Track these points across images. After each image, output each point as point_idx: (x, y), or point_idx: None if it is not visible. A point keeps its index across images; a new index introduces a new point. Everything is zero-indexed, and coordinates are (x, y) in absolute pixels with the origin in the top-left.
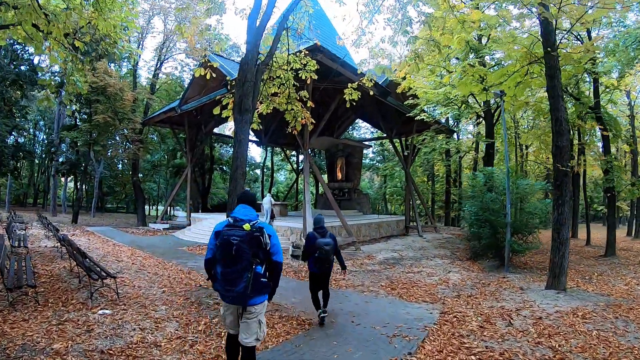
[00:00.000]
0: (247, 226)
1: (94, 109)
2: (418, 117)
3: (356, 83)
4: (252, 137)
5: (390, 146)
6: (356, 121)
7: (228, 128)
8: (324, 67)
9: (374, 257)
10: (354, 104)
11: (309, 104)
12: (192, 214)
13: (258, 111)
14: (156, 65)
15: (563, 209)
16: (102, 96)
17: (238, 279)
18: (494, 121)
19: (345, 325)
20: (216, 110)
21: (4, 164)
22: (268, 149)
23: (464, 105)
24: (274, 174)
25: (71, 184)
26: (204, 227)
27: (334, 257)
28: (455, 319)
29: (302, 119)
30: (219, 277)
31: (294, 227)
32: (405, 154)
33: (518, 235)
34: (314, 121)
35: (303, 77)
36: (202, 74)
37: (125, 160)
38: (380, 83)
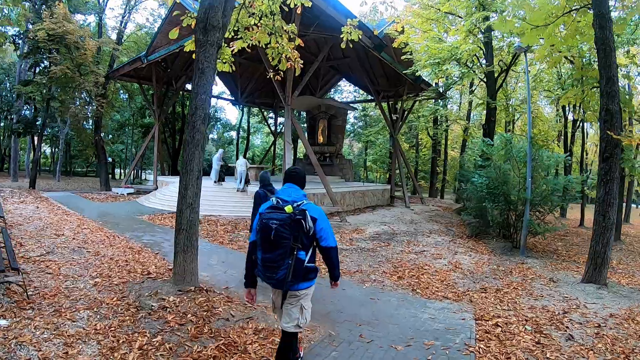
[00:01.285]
0: (289, 208)
1: (52, 60)
2: (418, 72)
3: (349, 27)
4: (227, 95)
5: (373, 112)
6: (338, 84)
7: None
8: (310, 12)
9: (363, 231)
10: (343, 57)
11: (298, 41)
12: (160, 177)
13: (233, 49)
14: (124, 12)
15: (612, 187)
16: (61, 45)
17: (279, 265)
18: (498, 86)
19: (351, 342)
20: (173, 34)
21: None
22: (244, 109)
23: (470, 62)
24: (251, 137)
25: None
26: (170, 191)
27: None
28: (499, 329)
29: (287, 60)
30: (259, 263)
31: None
32: (394, 118)
33: (535, 213)
34: (302, 62)
35: (292, 5)
36: (175, 37)
37: (90, 119)
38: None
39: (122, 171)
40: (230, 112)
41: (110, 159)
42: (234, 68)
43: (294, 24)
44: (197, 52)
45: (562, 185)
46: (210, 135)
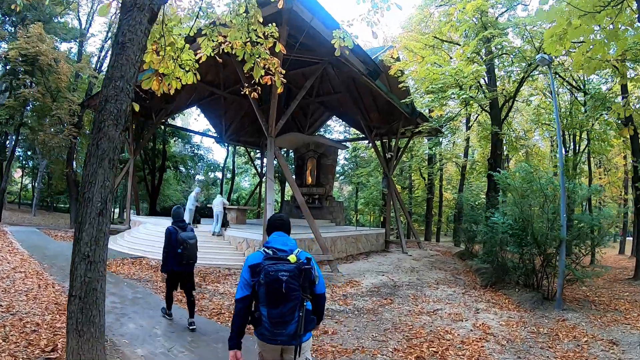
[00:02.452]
0: (293, 258)
1: (22, 82)
2: (418, 100)
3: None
4: (211, 132)
5: (364, 153)
6: (327, 123)
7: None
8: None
9: (358, 284)
10: (333, 92)
11: (279, 47)
12: (136, 217)
13: (200, 56)
14: (105, 38)
15: None
16: (34, 67)
17: (289, 320)
18: (504, 116)
19: None
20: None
21: None
22: (229, 149)
23: (474, 88)
24: (238, 179)
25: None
26: (140, 233)
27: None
28: None
29: (266, 71)
30: (265, 320)
31: (251, 239)
32: (389, 156)
33: (570, 256)
34: (283, 73)
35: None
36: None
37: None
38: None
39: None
40: (218, 153)
41: None
42: (199, 77)
43: (274, 24)
44: (120, 20)
45: (599, 221)
46: (197, 176)
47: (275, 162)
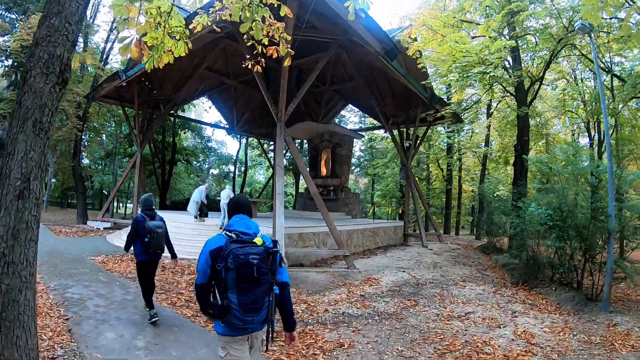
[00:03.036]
0: (259, 240)
1: (22, 74)
2: (444, 80)
3: None
4: (222, 123)
5: (379, 144)
6: (342, 114)
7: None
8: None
9: (377, 282)
10: (347, 80)
11: (284, 10)
12: None
13: (195, 26)
14: (110, 27)
15: None
16: None
17: (260, 306)
18: (531, 99)
19: None
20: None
21: None
22: (242, 141)
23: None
24: (252, 172)
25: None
26: None
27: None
28: None
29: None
30: (235, 307)
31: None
32: (407, 145)
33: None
34: (289, 39)
35: None
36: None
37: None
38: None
39: (116, 203)
40: (232, 147)
41: (106, 192)
42: (190, 46)
43: None
44: None
45: None
46: (212, 171)
47: (288, 155)
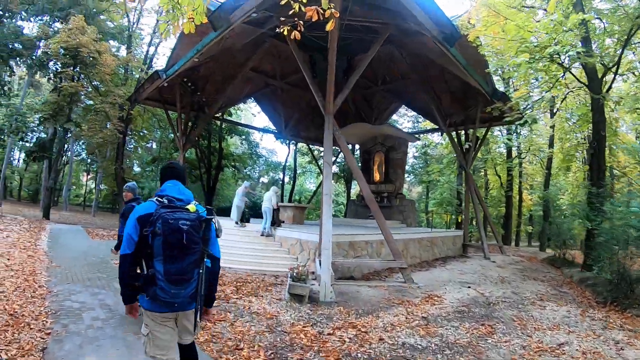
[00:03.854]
0: (192, 207)
1: (64, 75)
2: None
3: None
4: (270, 127)
5: (433, 149)
6: (393, 117)
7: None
8: None
9: (441, 300)
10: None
11: None
12: None
13: None
14: (153, 30)
15: None
16: (76, 60)
17: (189, 277)
18: (607, 88)
19: None
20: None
21: None
22: (290, 147)
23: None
24: (302, 179)
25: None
26: None
27: None
28: None
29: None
30: (161, 278)
31: (306, 241)
32: (467, 147)
33: None
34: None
35: None
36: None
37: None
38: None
39: None
40: (282, 154)
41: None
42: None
43: None
44: None
45: None
46: (262, 179)
47: (339, 160)
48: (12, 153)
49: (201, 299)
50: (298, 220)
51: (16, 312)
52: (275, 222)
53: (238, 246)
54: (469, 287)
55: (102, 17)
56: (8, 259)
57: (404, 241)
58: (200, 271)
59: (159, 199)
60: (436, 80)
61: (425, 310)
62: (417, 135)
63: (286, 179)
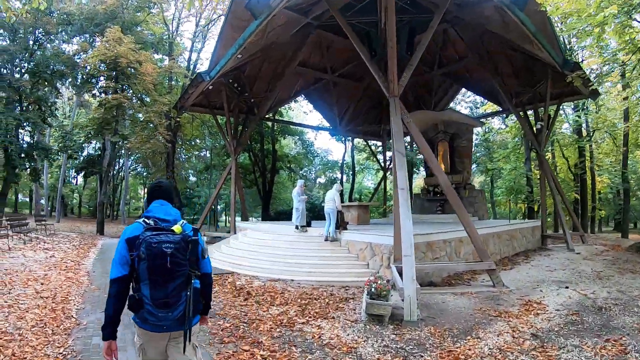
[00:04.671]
0: (177, 228)
1: (106, 88)
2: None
3: None
4: (324, 124)
5: (495, 135)
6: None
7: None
8: None
9: (541, 306)
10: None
11: None
12: (242, 223)
13: None
14: (194, 35)
15: None
16: (115, 71)
17: (175, 300)
18: None
19: None
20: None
21: (14, 165)
22: (347, 144)
23: None
24: (359, 177)
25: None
26: (236, 242)
27: None
28: None
29: None
30: (148, 302)
31: (378, 244)
32: (538, 127)
33: None
34: None
35: None
36: None
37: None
38: None
39: (226, 217)
40: (337, 153)
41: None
42: None
43: None
44: None
45: None
46: (318, 180)
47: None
48: (70, 172)
49: (189, 321)
50: (363, 220)
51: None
52: (341, 225)
53: (300, 254)
54: (567, 287)
55: (139, 28)
56: (41, 284)
57: (483, 237)
58: (188, 293)
59: (146, 220)
60: (497, 57)
61: (531, 323)
62: (482, 120)
63: (344, 178)
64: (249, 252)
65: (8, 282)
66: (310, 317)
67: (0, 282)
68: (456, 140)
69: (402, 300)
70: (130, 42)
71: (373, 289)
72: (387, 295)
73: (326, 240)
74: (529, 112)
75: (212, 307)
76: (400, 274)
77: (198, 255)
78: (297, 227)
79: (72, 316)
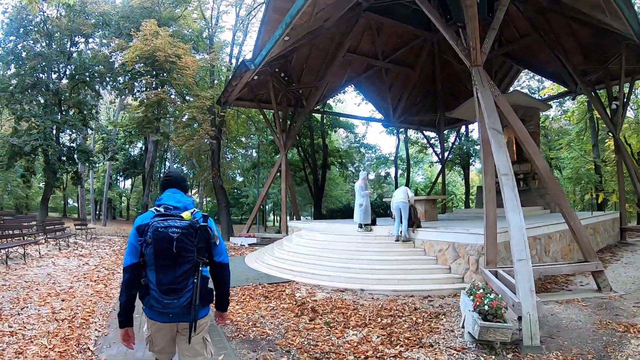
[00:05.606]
0: (187, 215)
1: (145, 84)
2: None
3: None
4: (376, 115)
5: (556, 122)
6: (516, 82)
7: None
8: None
9: None
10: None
11: None
12: (293, 223)
13: None
14: (234, 26)
15: None
16: (153, 67)
17: (182, 287)
18: None
19: None
20: None
21: (53, 169)
22: (399, 136)
23: None
24: (411, 170)
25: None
26: (291, 244)
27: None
28: None
29: None
30: (153, 287)
31: (462, 244)
32: (614, 107)
33: None
34: None
35: None
36: None
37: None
38: None
39: (275, 217)
40: (386, 148)
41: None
42: None
43: None
44: None
45: None
46: (369, 175)
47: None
48: (118, 176)
49: (195, 310)
50: (430, 216)
51: None
52: (414, 223)
53: (367, 257)
54: None
55: (175, 28)
56: (62, 300)
57: (560, 232)
58: (195, 280)
59: (157, 208)
60: (561, 34)
61: None
62: (549, 103)
63: (398, 172)
64: (306, 255)
65: (24, 298)
66: (401, 346)
67: (13, 299)
68: (523, 124)
69: (518, 318)
70: (168, 35)
71: (486, 307)
72: (503, 314)
73: (397, 240)
74: (600, 92)
75: (269, 332)
76: (508, 282)
77: (209, 243)
78: (360, 226)
79: (88, 348)
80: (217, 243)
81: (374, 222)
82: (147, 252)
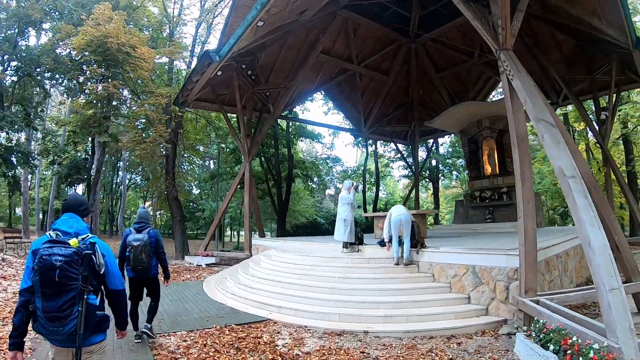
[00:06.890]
0: (74, 242)
1: (91, 76)
2: None
3: None
4: (347, 125)
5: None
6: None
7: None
8: None
9: None
10: None
11: None
12: (258, 240)
13: None
14: (199, 16)
15: None
16: (103, 56)
17: (67, 315)
18: None
19: None
20: None
21: None
22: (368, 149)
23: None
24: (381, 183)
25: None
26: (260, 268)
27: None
28: None
29: None
30: (40, 314)
31: (484, 267)
32: (603, 117)
33: None
34: None
35: None
36: None
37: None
38: None
39: (232, 232)
40: (350, 160)
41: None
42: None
43: None
44: None
45: None
46: (327, 190)
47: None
48: (61, 183)
49: (80, 338)
50: (422, 232)
51: None
52: (418, 242)
53: (364, 287)
54: None
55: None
56: None
57: (575, 248)
58: (80, 308)
59: (51, 232)
60: (545, 43)
61: None
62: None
63: (363, 186)
64: (284, 284)
65: None
66: None
67: None
68: (505, 136)
69: None
70: (121, 19)
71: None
72: None
73: (397, 264)
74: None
75: None
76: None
77: (95, 270)
78: (345, 246)
79: None
80: (103, 271)
81: (361, 241)
82: (34, 280)
